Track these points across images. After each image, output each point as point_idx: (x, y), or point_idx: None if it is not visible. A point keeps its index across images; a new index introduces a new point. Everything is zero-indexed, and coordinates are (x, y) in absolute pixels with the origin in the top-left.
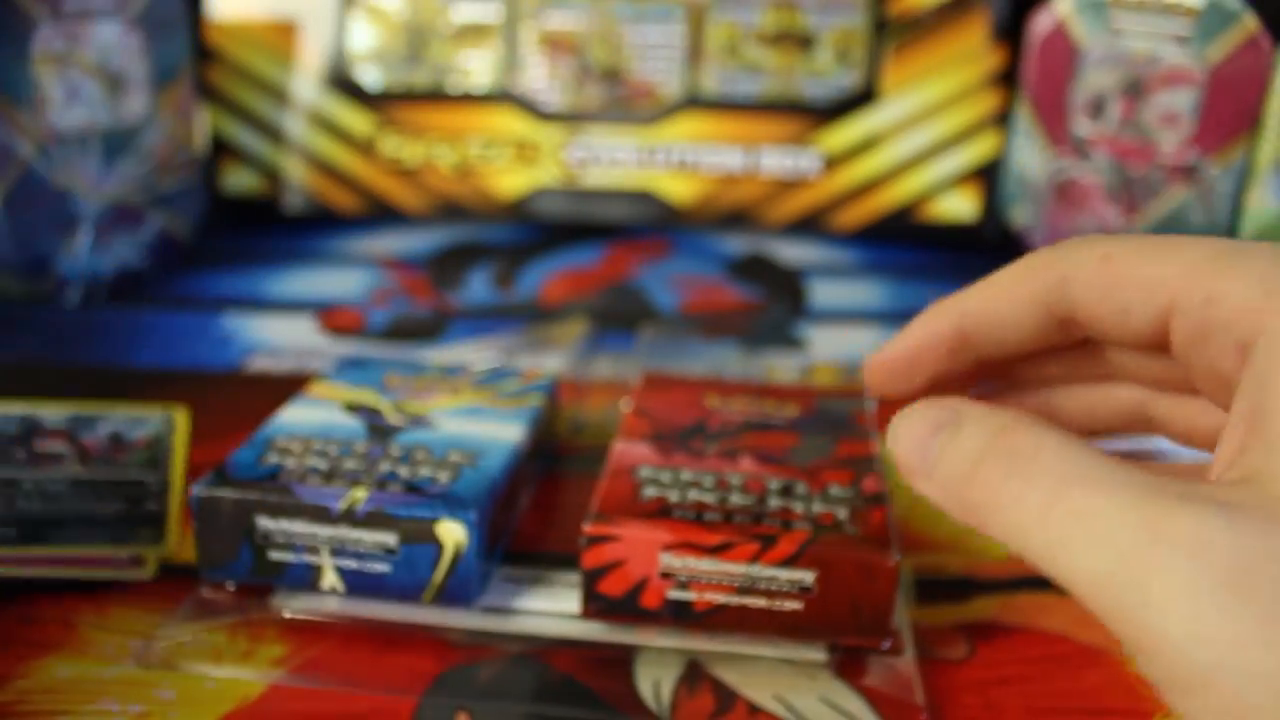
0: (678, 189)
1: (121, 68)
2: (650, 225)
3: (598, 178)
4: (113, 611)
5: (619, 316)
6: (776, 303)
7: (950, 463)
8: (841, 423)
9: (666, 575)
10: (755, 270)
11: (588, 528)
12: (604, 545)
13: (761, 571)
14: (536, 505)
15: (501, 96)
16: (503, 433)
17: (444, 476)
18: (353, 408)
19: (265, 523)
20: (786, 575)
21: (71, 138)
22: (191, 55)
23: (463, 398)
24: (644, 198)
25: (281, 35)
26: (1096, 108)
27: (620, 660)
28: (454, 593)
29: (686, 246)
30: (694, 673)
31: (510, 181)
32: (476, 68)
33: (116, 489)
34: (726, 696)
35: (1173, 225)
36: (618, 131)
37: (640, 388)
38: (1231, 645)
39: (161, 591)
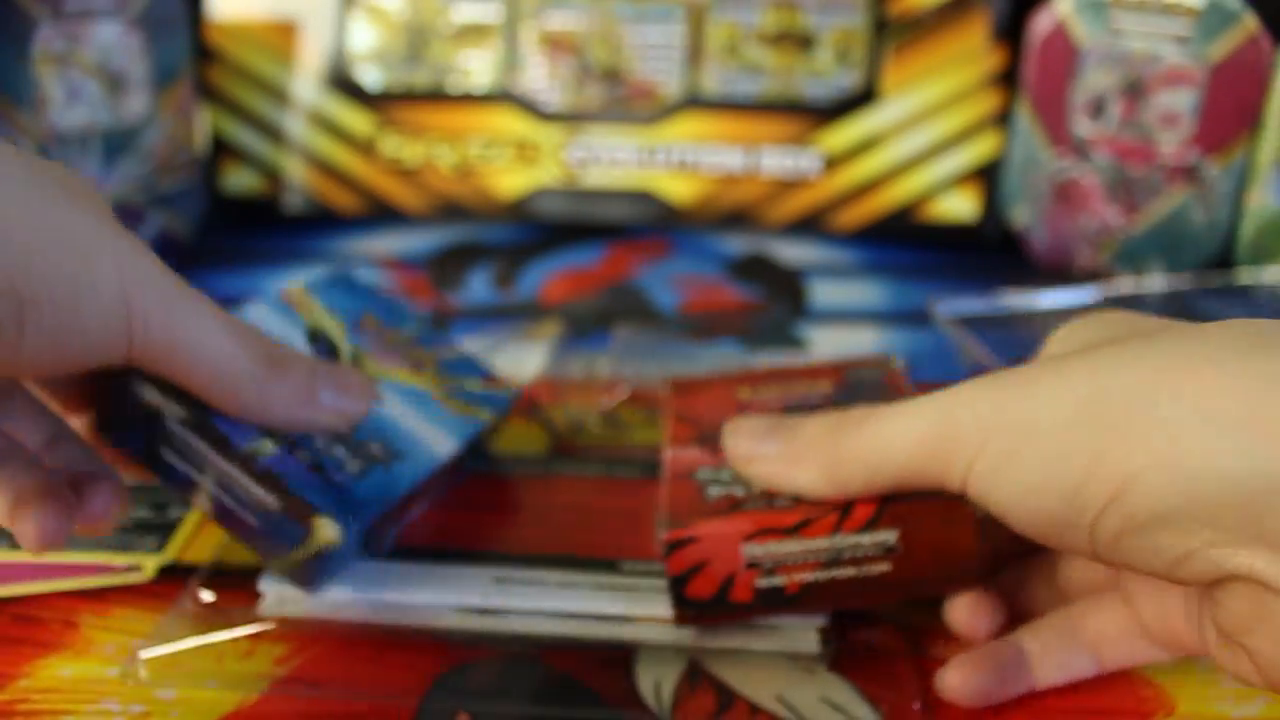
0: (678, 189)
1: (121, 68)
2: (650, 225)
3: (598, 178)
4: (114, 611)
5: (618, 316)
6: (776, 303)
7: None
8: (876, 388)
9: (753, 566)
10: (755, 270)
11: (665, 535)
12: (685, 549)
13: (845, 541)
14: (530, 505)
15: (501, 96)
16: (434, 443)
17: (354, 467)
18: (316, 335)
19: (173, 426)
20: (870, 539)
21: (71, 138)
22: (191, 55)
23: (421, 379)
24: (644, 198)
25: (281, 35)
26: (1096, 108)
27: (620, 660)
28: (301, 576)
29: (686, 246)
30: (694, 672)
31: (510, 181)
32: (476, 68)
33: (145, 495)
34: (727, 696)
35: (1173, 225)
36: (618, 131)
37: (672, 395)
38: None
39: (164, 592)
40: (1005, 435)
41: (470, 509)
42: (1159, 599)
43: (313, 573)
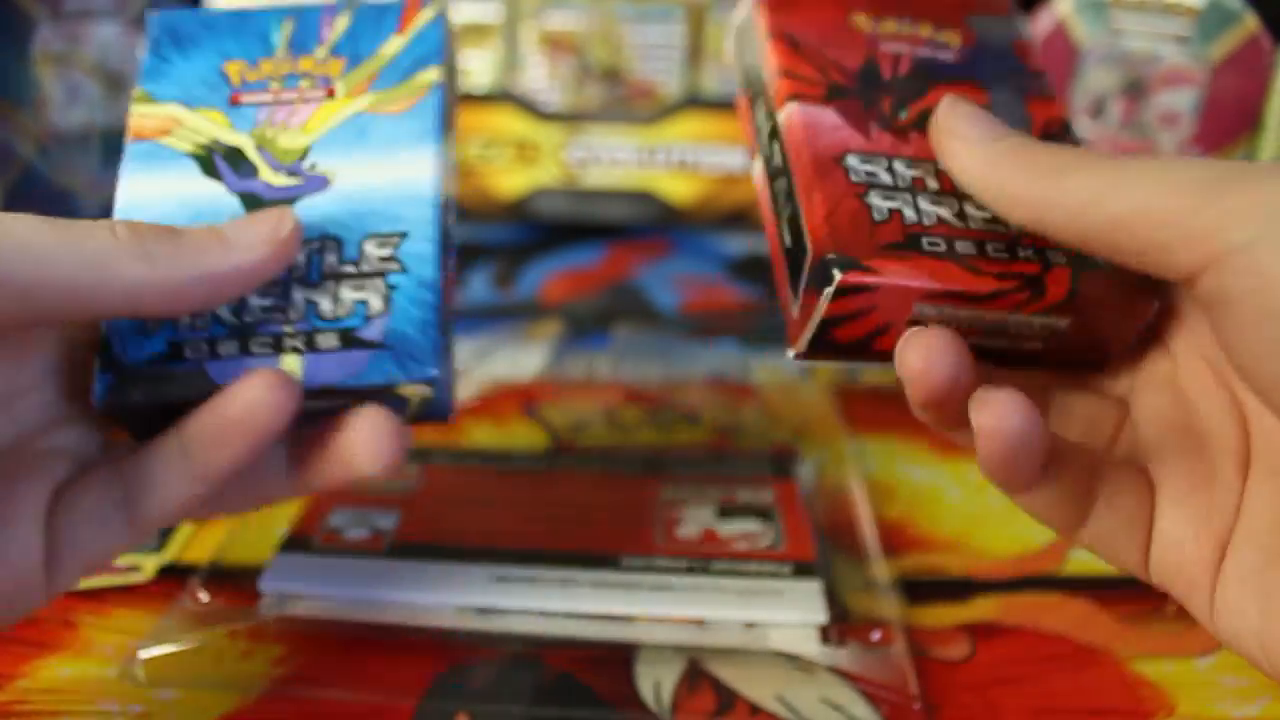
0: (678, 189)
1: (121, 68)
2: (650, 225)
3: (598, 178)
4: (113, 612)
5: (618, 316)
6: (776, 302)
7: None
8: (1010, 62)
9: (915, 321)
10: (755, 270)
11: (841, 276)
12: (854, 296)
13: (1019, 319)
14: (531, 502)
15: (501, 96)
16: (412, 171)
17: (375, 301)
18: (207, 157)
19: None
20: (1042, 321)
21: (71, 138)
22: None
23: (338, 104)
24: (644, 198)
25: None
26: (1097, 108)
27: (620, 660)
28: (427, 416)
29: (686, 246)
30: (694, 672)
31: (510, 181)
32: (476, 68)
33: None
34: (727, 696)
35: None
36: (618, 131)
37: (764, 3)
38: None
39: (163, 593)
40: None
41: (470, 506)
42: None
43: (435, 409)
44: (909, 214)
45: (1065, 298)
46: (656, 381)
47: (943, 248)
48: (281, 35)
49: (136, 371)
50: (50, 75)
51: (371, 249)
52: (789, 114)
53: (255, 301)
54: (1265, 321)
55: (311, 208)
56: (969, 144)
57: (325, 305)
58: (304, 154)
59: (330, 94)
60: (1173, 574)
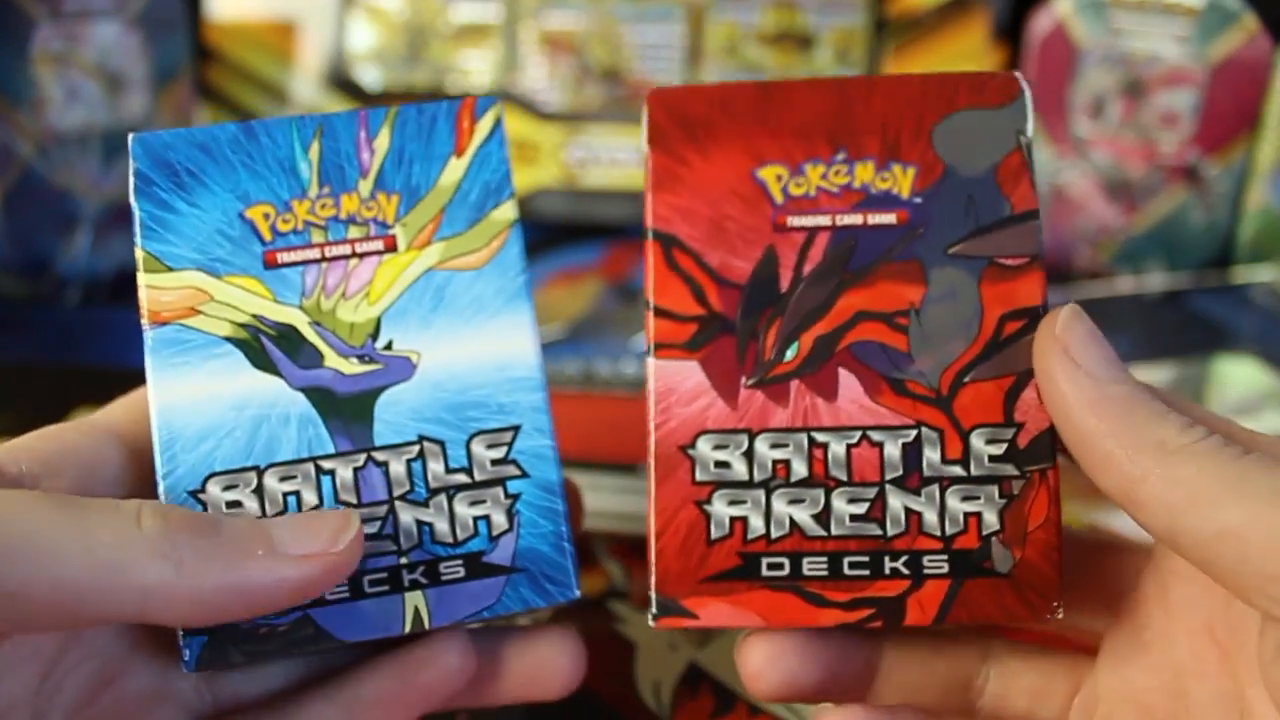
0: None
1: (121, 68)
2: None
3: (598, 178)
4: None
5: (618, 316)
6: None
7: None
8: (981, 207)
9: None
10: None
11: (655, 622)
12: (675, 619)
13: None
14: None
15: (501, 96)
16: (509, 345)
17: (498, 517)
18: (255, 343)
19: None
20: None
21: (71, 138)
22: (191, 55)
23: (402, 259)
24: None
25: (281, 35)
26: (1096, 108)
27: (620, 660)
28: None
29: None
30: (694, 672)
31: None
32: (476, 68)
33: None
34: (727, 696)
35: (1172, 225)
36: (618, 131)
37: (653, 134)
38: None
39: None
40: None
41: None
42: None
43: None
44: (755, 523)
45: (930, 622)
46: None
47: (785, 571)
48: (310, 163)
49: (231, 630)
50: (50, 75)
51: (482, 451)
52: (652, 374)
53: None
54: None
55: (399, 401)
56: (1076, 375)
57: (441, 527)
58: (375, 330)
59: (390, 246)
60: None
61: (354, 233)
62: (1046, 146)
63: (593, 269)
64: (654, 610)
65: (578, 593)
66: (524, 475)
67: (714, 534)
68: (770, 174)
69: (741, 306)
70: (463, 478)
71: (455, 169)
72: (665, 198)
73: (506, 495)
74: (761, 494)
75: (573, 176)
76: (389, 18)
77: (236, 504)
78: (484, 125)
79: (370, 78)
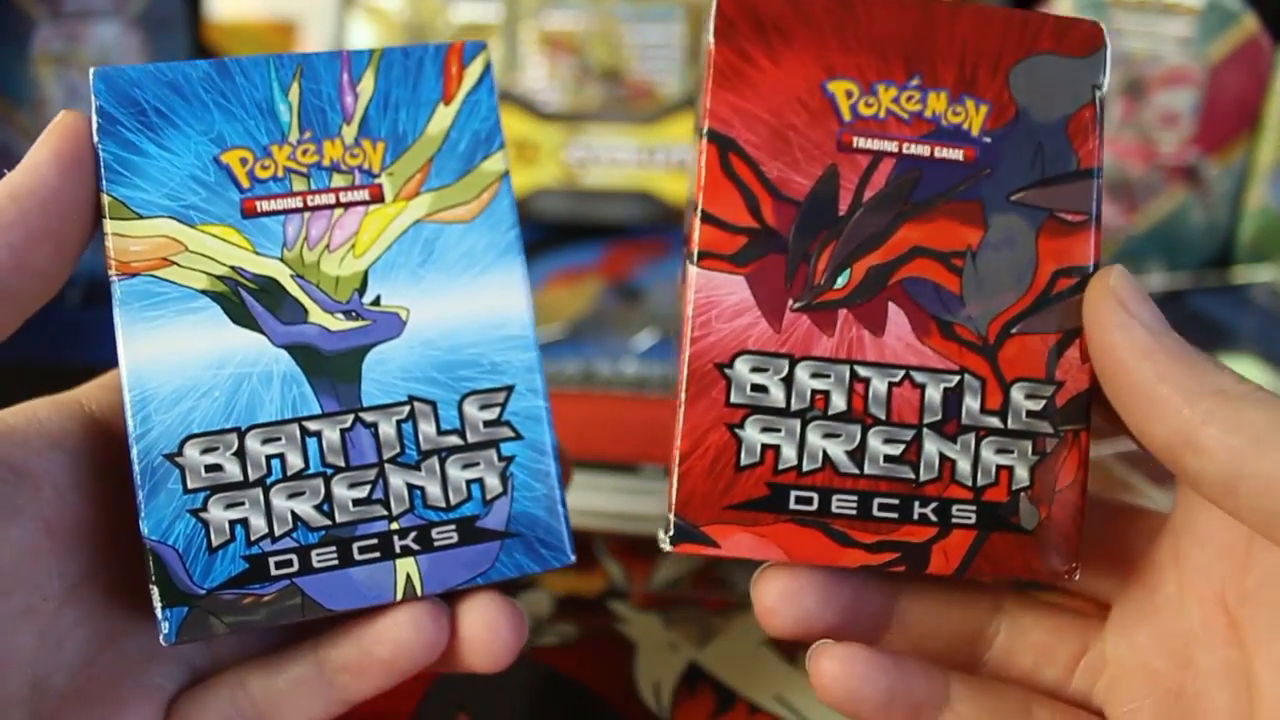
0: (678, 189)
1: None
2: (650, 225)
3: (598, 178)
4: None
5: (619, 316)
6: None
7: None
8: (1048, 158)
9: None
10: None
11: (671, 546)
12: (694, 545)
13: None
14: None
15: (501, 96)
16: (501, 301)
17: (492, 479)
18: (234, 296)
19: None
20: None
21: None
22: (191, 55)
23: (389, 210)
24: (644, 198)
25: (281, 35)
26: None
27: (620, 660)
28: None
29: None
30: (694, 672)
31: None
32: None
33: None
34: (727, 696)
35: (1173, 225)
36: (618, 131)
37: (720, 25)
38: None
39: None
40: None
41: None
42: None
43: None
44: (787, 453)
45: (952, 573)
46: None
47: (814, 506)
48: (290, 105)
49: (214, 600)
50: (50, 75)
51: (474, 412)
52: (692, 283)
53: (345, 493)
54: None
55: (388, 359)
56: (1131, 324)
57: (433, 491)
58: (362, 284)
59: (376, 196)
60: None
61: (338, 181)
62: None
63: (593, 269)
64: (671, 534)
65: (572, 557)
66: (518, 437)
67: (744, 460)
68: (840, 88)
69: (796, 224)
70: (455, 440)
71: (443, 116)
72: (727, 96)
73: (500, 458)
74: (797, 424)
75: (573, 176)
76: (389, 18)
77: (216, 467)
78: (473, 71)
79: None
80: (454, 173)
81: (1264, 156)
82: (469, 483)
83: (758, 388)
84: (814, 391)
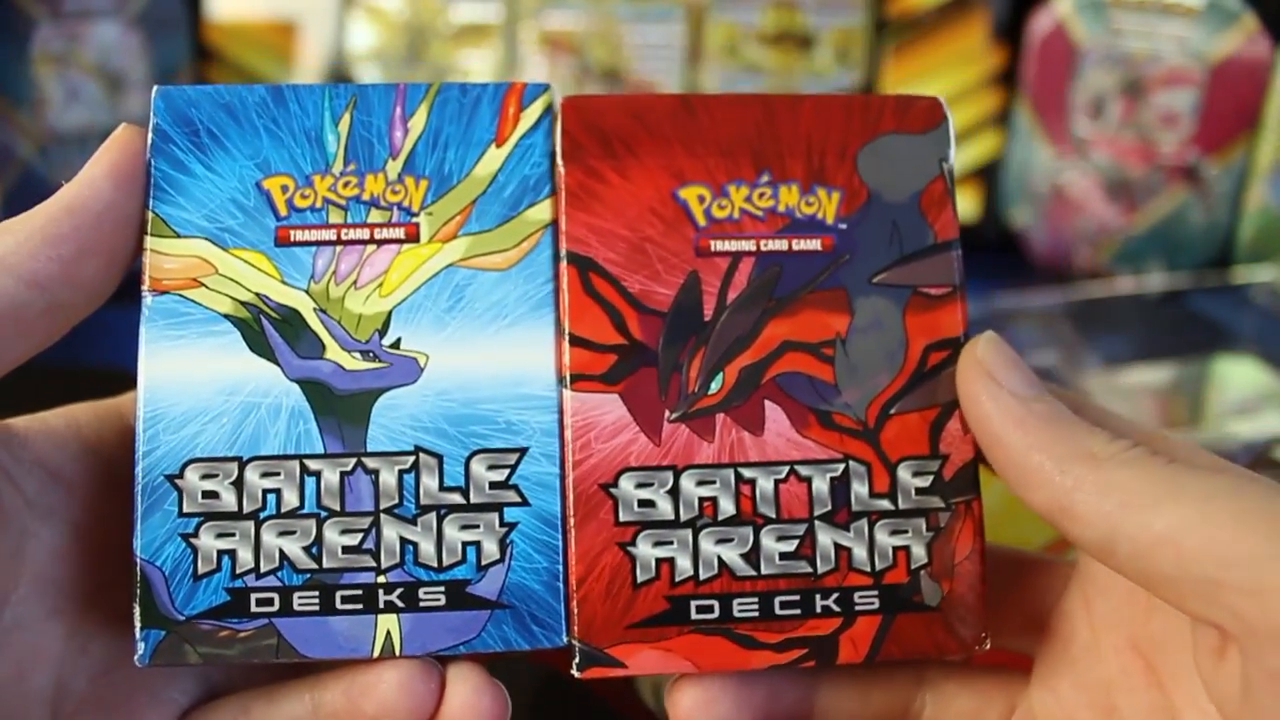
0: None
1: (121, 68)
2: None
3: None
4: None
5: None
6: None
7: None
8: (905, 235)
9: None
10: None
11: (579, 672)
12: (601, 668)
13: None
14: None
15: None
16: (526, 357)
17: (489, 545)
18: (254, 325)
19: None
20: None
21: (71, 138)
22: (191, 55)
23: (423, 251)
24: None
25: (281, 35)
26: (1096, 108)
27: None
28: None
29: None
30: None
31: None
32: (476, 68)
33: None
34: None
35: (1172, 225)
36: None
37: (567, 148)
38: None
39: None
40: None
41: None
42: None
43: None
44: (683, 564)
45: (862, 660)
46: None
47: (715, 614)
48: (338, 136)
49: (191, 628)
50: (50, 75)
51: (481, 471)
52: (569, 408)
53: (336, 538)
54: None
55: (399, 406)
56: (1000, 394)
57: (426, 548)
58: (384, 325)
59: (412, 235)
60: None
61: (375, 217)
62: (1046, 146)
63: None
64: (578, 661)
65: (565, 639)
66: (524, 503)
67: (640, 577)
68: (692, 194)
69: (664, 335)
70: (457, 498)
71: (493, 159)
72: (581, 216)
73: (502, 523)
74: (689, 533)
75: None
76: (389, 18)
77: (213, 494)
78: (531, 113)
79: (370, 78)
80: (496, 218)
81: (1264, 156)
82: (465, 545)
83: (645, 503)
84: (701, 499)
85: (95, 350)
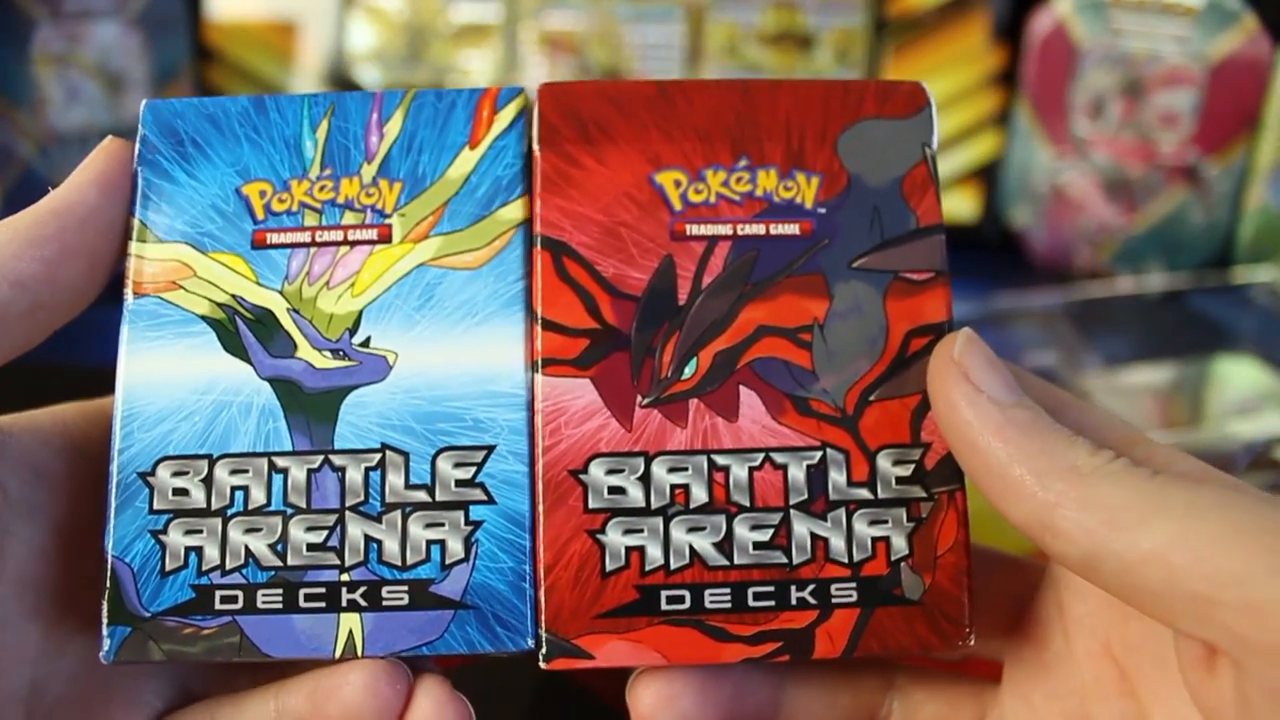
0: None
1: (121, 68)
2: None
3: None
4: None
5: None
6: None
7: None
8: (886, 220)
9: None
10: None
11: (545, 663)
12: (568, 659)
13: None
14: None
15: None
16: (495, 355)
17: (454, 544)
18: (229, 325)
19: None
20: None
21: (71, 138)
22: (191, 55)
23: (395, 251)
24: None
25: (281, 35)
26: (1096, 108)
27: None
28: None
29: None
30: None
31: None
32: (476, 68)
33: None
34: None
35: (1172, 225)
36: None
37: (543, 132)
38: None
39: None
40: None
41: None
42: None
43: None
44: (653, 553)
45: (839, 654)
46: None
47: (686, 604)
48: (316, 142)
49: (156, 625)
50: (50, 75)
51: (447, 469)
52: (539, 392)
53: (301, 535)
54: None
55: (367, 403)
56: (978, 400)
57: (390, 546)
58: (355, 324)
59: (385, 236)
60: None
61: (349, 219)
62: (1046, 146)
63: None
64: (544, 651)
65: (530, 643)
66: (490, 501)
67: (609, 566)
68: (668, 179)
69: (637, 320)
70: (422, 495)
71: (466, 160)
72: (555, 201)
73: (467, 522)
74: (660, 521)
75: None
76: (389, 18)
77: (183, 491)
78: (504, 116)
79: (370, 78)
80: (468, 218)
81: (1264, 156)
82: (430, 543)
83: (615, 490)
84: (673, 486)
85: (91, 350)
